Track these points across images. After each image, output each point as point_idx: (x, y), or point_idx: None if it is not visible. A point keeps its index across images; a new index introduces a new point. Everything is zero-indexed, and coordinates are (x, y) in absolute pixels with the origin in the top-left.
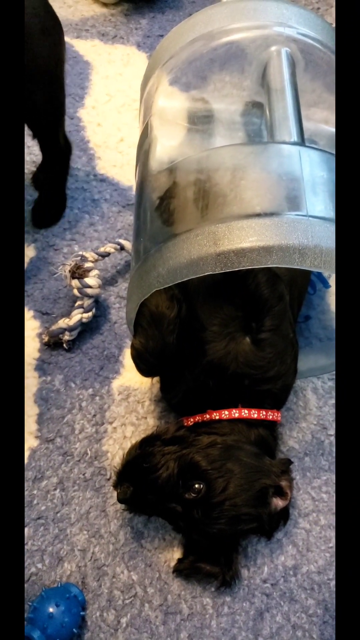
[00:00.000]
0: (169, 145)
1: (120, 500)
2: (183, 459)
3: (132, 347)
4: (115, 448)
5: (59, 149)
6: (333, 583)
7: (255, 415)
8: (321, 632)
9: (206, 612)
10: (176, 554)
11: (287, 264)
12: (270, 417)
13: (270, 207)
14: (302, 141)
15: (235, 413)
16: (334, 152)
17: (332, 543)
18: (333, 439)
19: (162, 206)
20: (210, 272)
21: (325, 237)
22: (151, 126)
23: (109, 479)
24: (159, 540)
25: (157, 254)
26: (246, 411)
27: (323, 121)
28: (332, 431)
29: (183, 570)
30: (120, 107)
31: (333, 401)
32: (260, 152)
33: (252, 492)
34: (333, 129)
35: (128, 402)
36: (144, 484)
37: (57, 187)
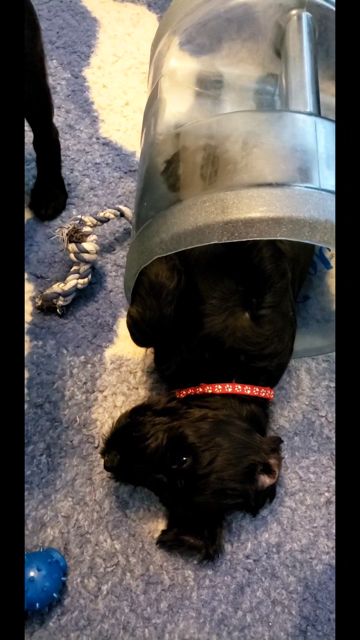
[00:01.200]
0: (177, 108)
1: (107, 467)
2: (172, 431)
3: (129, 315)
4: (105, 417)
5: (52, 136)
6: (315, 562)
7: (249, 392)
8: (300, 608)
9: (187, 583)
10: (160, 525)
11: (296, 237)
12: (264, 394)
13: (282, 178)
14: (318, 112)
15: (228, 388)
16: None
17: (317, 523)
18: (324, 420)
19: (168, 171)
20: (216, 241)
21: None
22: (161, 88)
23: (96, 447)
24: (143, 510)
25: (160, 219)
26: (240, 387)
27: None
28: (324, 412)
29: (166, 542)
30: (127, 69)
31: (326, 382)
32: (275, 120)
33: (240, 467)
34: None
35: (120, 371)
36: (131, 453)
37: (54, 175)
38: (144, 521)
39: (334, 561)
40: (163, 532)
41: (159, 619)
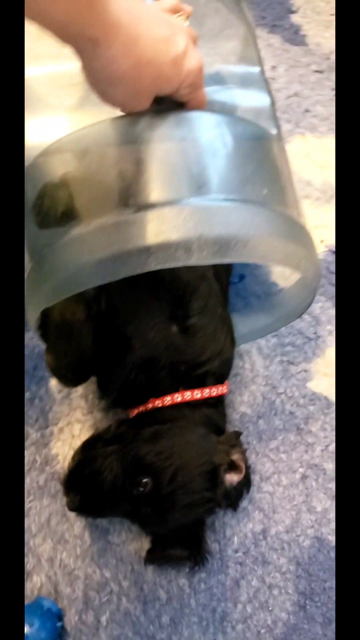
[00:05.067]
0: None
1: (70, 509)
2: (126, 457)
3: (47, 364)
4: (65, 449)
5: None
6: (302, 538)
7: (199, 395)
8: (295, 586)
9: (184, 592)
10: (145, 543)
11: (170, 263)
12: (215, 393)
13: (169, 195)
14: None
15: (178, 397)
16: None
17: (296, 500)
18: (284, 396)
19: (36, 205)
20: (93, 286)
21: (217, 222)
22: None
23: None
24: (125, 532)
25: (37, 265)
26: (189, 393)
27: (231, 54)
28: (282, 389)
29: (154, 561)
30: None
31: (279, 359)
32: (151, 124)
33: (203, 475)
34: (243, 68)
35: (70, 399)
36: (91, 489)
37: None
38: (127, 543)
39: (318, 533)
40: (148, 551)
41: (163, 633)
